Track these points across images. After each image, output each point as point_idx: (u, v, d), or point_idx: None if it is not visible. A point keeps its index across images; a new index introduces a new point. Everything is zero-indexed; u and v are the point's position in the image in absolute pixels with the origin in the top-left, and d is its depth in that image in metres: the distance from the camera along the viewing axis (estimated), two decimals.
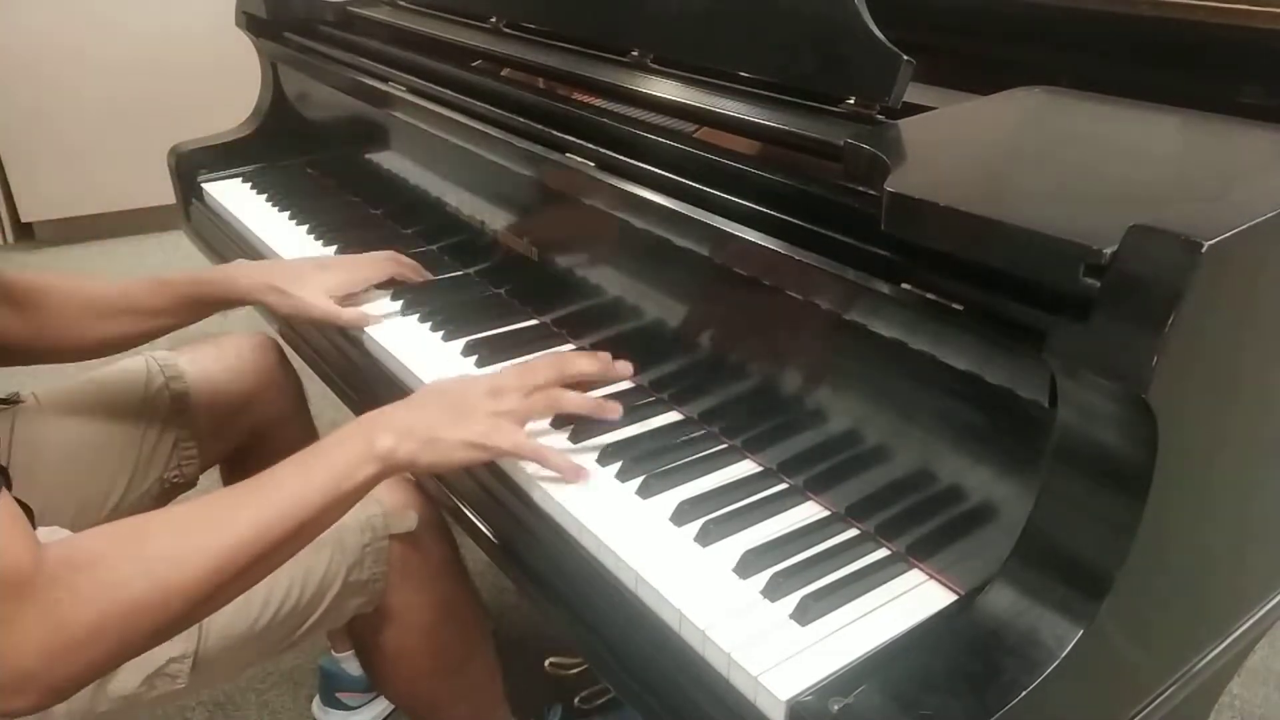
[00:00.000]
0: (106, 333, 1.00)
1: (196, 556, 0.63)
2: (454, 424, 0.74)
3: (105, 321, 0.99)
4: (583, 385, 0.83)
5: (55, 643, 0.58)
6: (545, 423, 0.83)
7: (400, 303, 1.06)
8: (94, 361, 1.05)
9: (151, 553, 0.63)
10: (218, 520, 0.66)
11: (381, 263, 1.07)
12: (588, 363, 0.84)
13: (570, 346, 0.98)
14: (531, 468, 0.78)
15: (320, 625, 0.88)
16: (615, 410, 0.82)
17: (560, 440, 0.81)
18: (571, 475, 0.77)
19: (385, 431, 0.72)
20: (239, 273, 1.04)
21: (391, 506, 0.90)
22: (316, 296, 1.00)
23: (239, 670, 0.91)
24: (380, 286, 1.07)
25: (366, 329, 1.01)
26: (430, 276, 1.10)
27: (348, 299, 1.03)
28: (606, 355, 0.86)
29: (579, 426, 0.82)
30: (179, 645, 0.80)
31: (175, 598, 0.62)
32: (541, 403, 0.79)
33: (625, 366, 0.87)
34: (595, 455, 0.79)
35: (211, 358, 1.12)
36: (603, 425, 0.82)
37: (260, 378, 1.13)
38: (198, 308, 1.02)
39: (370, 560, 0.88)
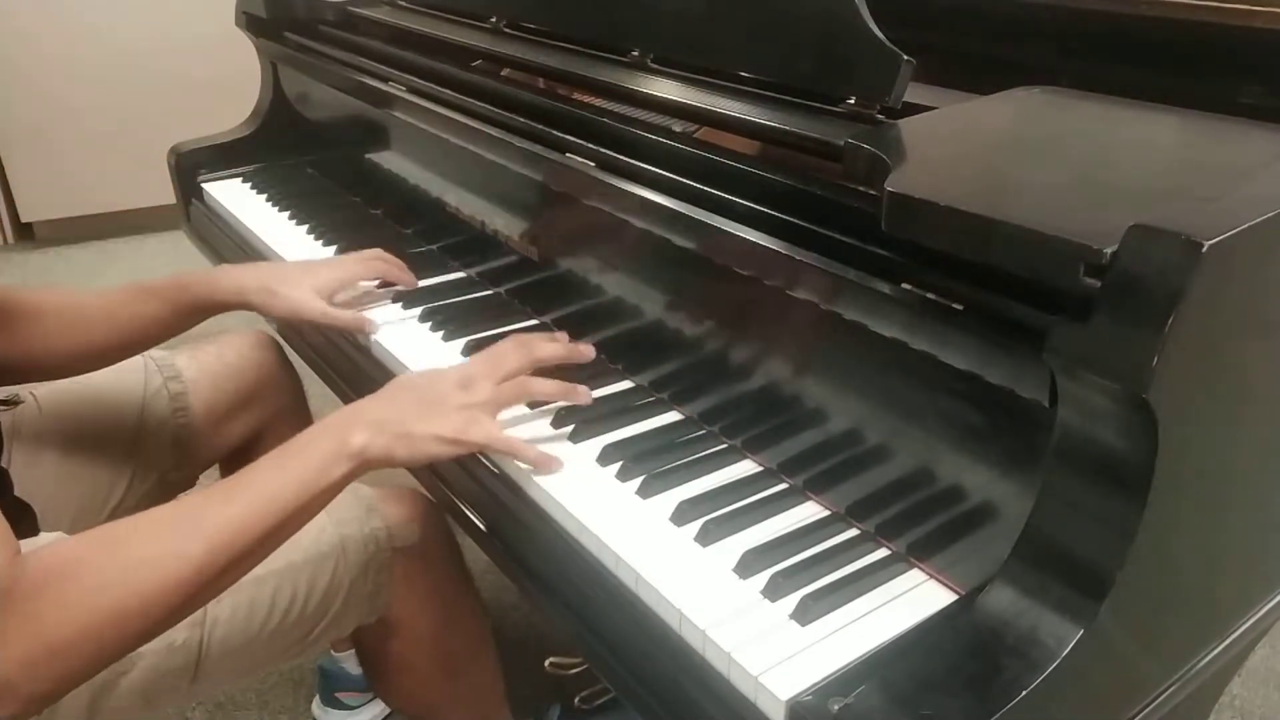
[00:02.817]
0: (93, 345, 0.97)
1: (174, 560, 0.63)
2: (426, 418, 0.74)
3: (92, 333, 0.96)
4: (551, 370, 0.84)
5: (36, 651, 0.58)
6: (546, 423, 0.83)
7: (400, 303, 1.06)
8: None
9: (130, 558, 0.62)
10: (194, 523, 0.65)
11: (368, 261, 1.06)
12: (551, 347, 0.84)
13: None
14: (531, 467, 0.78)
15: (323, 637, 0.88)
16: (585, 395, 0.83)
17: (560, 442, 0.81)
18: (544, 466, 0.77)
19: (358, 428, 0.72)
20: (226, 276, 1.02)
21: (395, 520, 0.90)
22: (309, 297, 0.99)
23: (239, 680, 0.91)
24: (379, 287, 1.07)
25: (367, 328, 1.01)
26: (415, 281, 1.08)
27: (342, 302, 1.02)
28: (564, 335, 0.89)
29: (578, 426, 0.82)
30: (179, 658, 0.80)
31: (155, 601, 0.62)
32: (511, 391, 0.79)
33: (588, 349, 0.88)
34: (595, 455, 0.79)
35: (211, 357, 1.12)
36: (602, 426, 0.82)
37: (260, 377, 1.13)
38: (186, 313, 0.99)
39: (374, 573, 0.88)
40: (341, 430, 0.72)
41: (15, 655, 0.57)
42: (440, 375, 0.79)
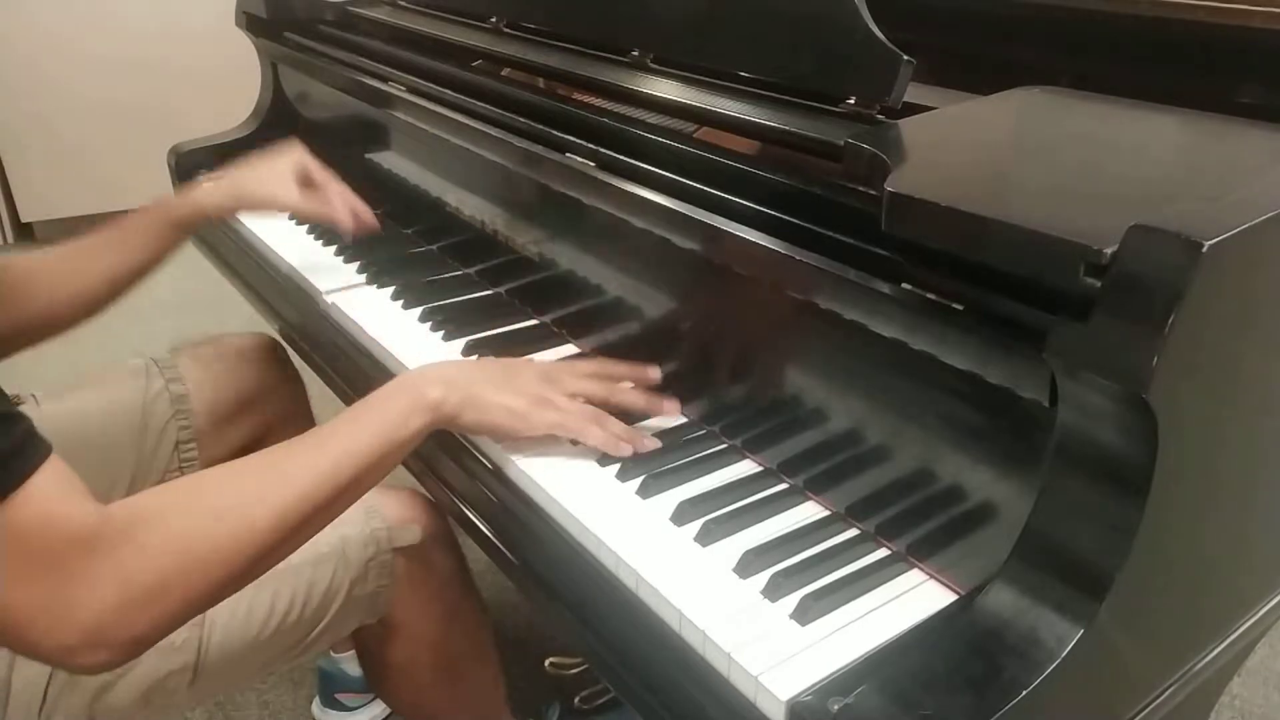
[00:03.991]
0: (87, 288, 0.98)
1: (259, 508, 0.64)
2: (500, 389, 0.77)
3: (84, 278, 0.98)
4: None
5: (127, 597, 0.59)
6: None
7: (400, 302, 1.06)
8: (94, 363, 1.04)
9: (214, 506, 0.64)
10: (277, 473, 0.67)
11: (323, 169, 1.09)
12: (636, 397, 0.83)
13: (570, 347, 0.98)
14: (531, 468, 0.78)
15: (323, 638, 0.88)
16: (653, 444, 0.79)
17: (560, 442, 0.81)
18: (613, 449, 0.77)
19: (434, 383, 0.74)
20: (196, 191, 1.06)
21: (396, 520, 0.90)
22: (287, 186, 1.04)
23: (239, 683, 0.91)
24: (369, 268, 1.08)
25: (366, 329, 1.01)
26: (370, 218, 1.10)
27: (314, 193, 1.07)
28: (650, 393, 0.84)
29: None
30: (179, 659, 0.80)
31: (243, 549, 0.63)
32: (587, 414, 0.79)
33: (673, 405, 0.84)
34: (596, 456, 0.79)
35: (213, 358, 1.12)
36: None
37: (261, 378, 1.13)
38: (169, 232, 1.02)
39: (374, 574, 0.88)
40: (418, 385, 0.74)
41: (108, 602, 0.58)
42: (525, 362, 0.82)
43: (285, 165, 1.07)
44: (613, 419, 0.79)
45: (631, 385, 0.84)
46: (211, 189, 1.06)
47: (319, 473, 0.67)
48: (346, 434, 0.70)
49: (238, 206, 1.08)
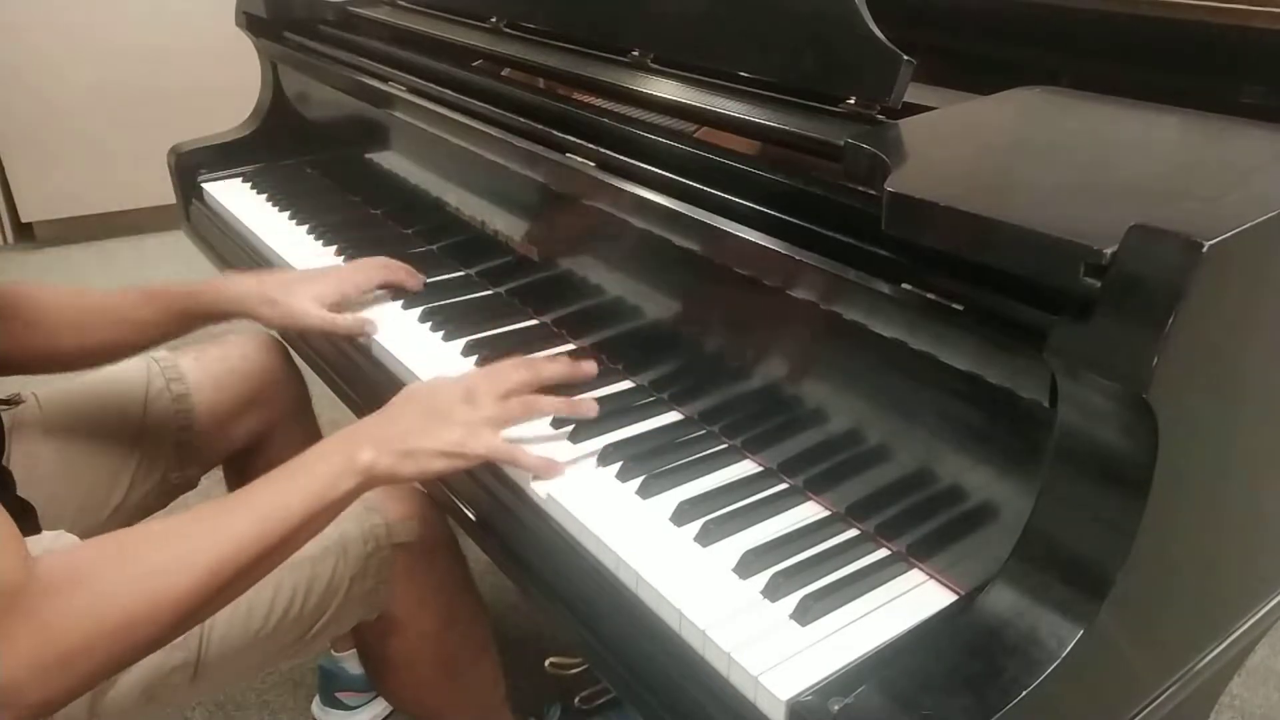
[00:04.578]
0: (93, 343, 0.99)
1: (183, 570, 0.64)
2: (430, 433, 0.75)
3: (93, 332, 0.98)
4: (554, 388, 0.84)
5: (47, 656, 0.58)
6: (546, 424, 0.83)
7: (400, 303, 1.06)
8: None
9: (140, 566, 0.63)
10: (203, 533, 0.66)
11: (373, 269, 1.06)
12: (554, 366, 0.84)
13: (570, 347, 0.98)
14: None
15: (323, 634, 0.88)
16: (592, 409, 0.82)
17: (561, 442, 0.81)
18: (546, 473, 0.77)
19: (364, 445, 0.73)
20: (229, 285, 1.03)
21: (395, 516, 0.90)
22: (308, 306, 0.99)
23: (239, 679, 0.91)
24: (380, 289, 1.07)
25: (367, 330, 1.01)
26: (422, 282, 1.08)
27: (343, 307, 1.02)
28: (565, 359, 0.87)
29: (579, 427, 0.82)
30: (179, 655, 0.80)
31: (165, 609, 0.63)
32: (518, 409, 0.79)
33: (590, 366, 0.87)
34: (596, 455, 0.79)
35: (215, 358, 1.12)
36: (602, 426, 0.82)
37: (263, 378, 1.13)
38: (187, 320, 1.01)
39: (374, 570, 0.88)
40: (349, 447, 0.73)
41: (26, 660, 0.58)
42: (444, 388, 0.80)
43: (324, 291, 1.02)
44: (543, 399, 0.81)
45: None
46: (241, 284, 1.03)
47: (247, 536, 0.67)
48: (276, 496, 0.70)
49: (259, 316, 1.02)
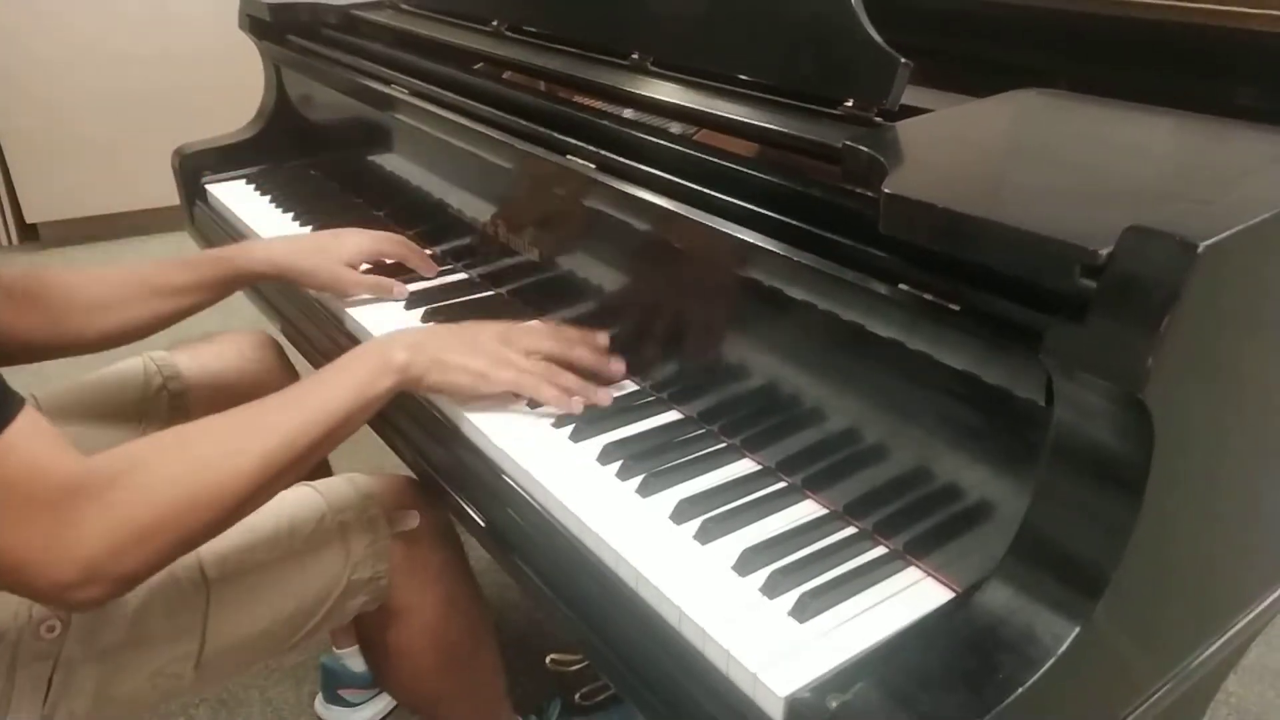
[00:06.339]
0: (129, 317, 1.00)
1: (239, 458, 0.69)
2: (461, 352, 0.83)
3: (128, 306, 0.99)
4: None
5: (119, 536, 0.63)
6: (546, 423, 0.84)
7: (402, 303, 1.06)
8: (92, 364, 1.05)
9: (196, 457, 0.69)
10: (257, 426, 0.72)
11: (393, 241, 1.11)
12: (587, 353, 0.89)
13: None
14: (531, 466, 0.78)
15: (324, 624, 0.89)
16: (606, 397, 0.86)
17: (561, 441, 0.82)
18: (565, 405, 0.83)
19: (400, 348, 0.80)
20: (258, 247, 1.08)
21: (394, 507, 0.91)
22: (337, 265, 1.05)
23: (242, 670, 0.92)
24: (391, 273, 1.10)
25: (370, 331, 1.02)
26: (435, 269, 1.13)
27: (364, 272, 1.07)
28: (604, 348, 0.90)
29: (579, 425, 0.83)
30: (182, 644, 0.81)
31: (228, 493, 0.69)
32: (542, 369, 0.84)
33: (619, 365, 0.90)
34: (596, 454, 0.80)
35: (211, 356, 1.12)
36: (602, 425, 0.83)
37: (260, 376, 1.14)
38: (221, 285, 1.04)
39: (373, 560, 0.89)
40: (385, 349, 0.80)
41: (100, 541, 0.62)
42: (481, 325, 0.87)
43: (349, 250, 1.07)
44: (565, 373, 0.85)
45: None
46: (270, 245, 1.08)
47: (295, 426, 0.72)
48: (318, 394, 0.76)
49: (291, 277, 1.07)
